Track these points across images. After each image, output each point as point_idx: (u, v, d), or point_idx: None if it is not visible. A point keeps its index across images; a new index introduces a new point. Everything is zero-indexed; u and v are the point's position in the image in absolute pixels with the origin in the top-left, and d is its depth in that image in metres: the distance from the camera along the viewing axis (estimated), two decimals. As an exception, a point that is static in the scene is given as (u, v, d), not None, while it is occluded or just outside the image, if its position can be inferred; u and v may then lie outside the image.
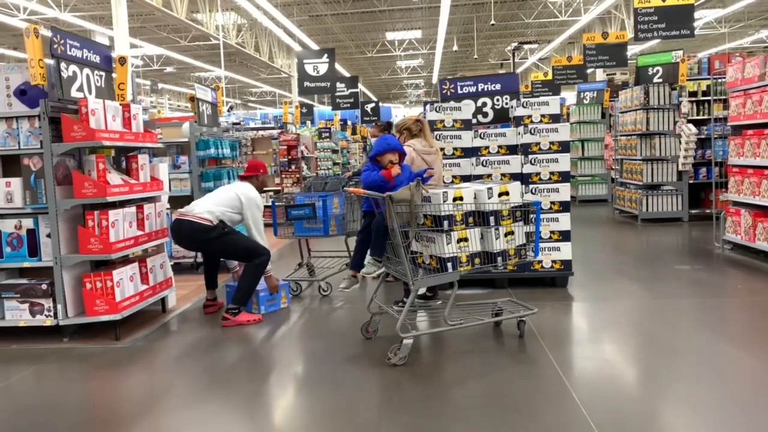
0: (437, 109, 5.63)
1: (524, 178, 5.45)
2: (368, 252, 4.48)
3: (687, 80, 9.64)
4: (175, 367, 3.97)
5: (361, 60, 30.53)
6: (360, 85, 25.21)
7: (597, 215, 11.02)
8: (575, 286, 5.58)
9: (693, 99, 9.69)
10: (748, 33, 26.14)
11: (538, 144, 5.44)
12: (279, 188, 10.79)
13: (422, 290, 5.05)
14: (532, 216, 4.07)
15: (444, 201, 3.78)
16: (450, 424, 2.95)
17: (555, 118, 5.49)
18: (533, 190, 5.44)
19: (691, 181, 9.58)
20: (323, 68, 15.87)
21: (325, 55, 16.05)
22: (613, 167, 11.65)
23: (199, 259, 6.92)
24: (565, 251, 5.49)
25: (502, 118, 6.10)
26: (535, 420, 2.98)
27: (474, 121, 5.93)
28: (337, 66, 20.78)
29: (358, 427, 3.00)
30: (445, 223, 3.76)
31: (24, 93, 4.40)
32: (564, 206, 5.46)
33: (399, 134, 5.14)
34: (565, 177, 5.45)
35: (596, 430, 2.84)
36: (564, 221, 5.48)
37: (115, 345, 4.41)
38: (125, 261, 4.82)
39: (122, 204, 4.73)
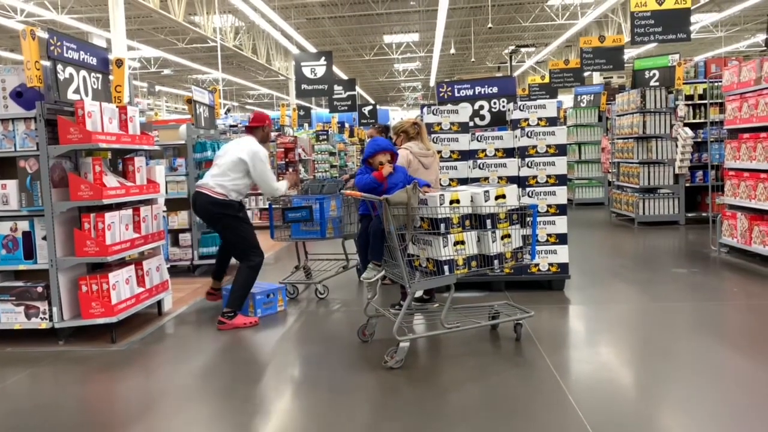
0: (434, 112, 5.63)
1: (521, 181, 5.45)
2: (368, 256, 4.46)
3: (683, 84, 9.68)
4: (171, 371, 3.96)
5: (359, 63, 30.56)
6: (357, 88, 25.21)
7: (594, 218, 11.04)
8: (572, 289, 5.58)
9: (689, 102, 9.72)
10: (744, 37, 26.26)
11: (535, 147, 5.45)
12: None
13: (419, 293, 5.04)
14: (528, 219, 4.07)
15: (441, 204, 3.78)
16: (447, 428, 2.95)
17: (552, 122, 5.50)
18: (530, 193, 5.44)
19: (687, 185, 9.60)
20: (321, 71, 15.88)
21: (323, 58, 16.06)
22: (609, 170, 11.67)
23: (196, 262, 6.92)
24: (562, 254, 5.50)
25: (499, 121, 6.11)
26: (531, 423, 2.98)
27: (471, 124, 5.93)
28: (335, 69, 20.81)
29: (354, 430, 2.99)
30: (442, 226, 3.76)
31: (20, 95, 4.38)
32: (561, 209, 5.47)
33: (396, 137, 5.13)
34: (561, 180, 5.46)
35: (593, 433, 2.84)
36: (561, 224, 5.48)
37: (110, 348, 4.40)
38: (121, 264, 4.81)
39: (119, 206, 4.71)
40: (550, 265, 5.52)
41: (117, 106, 4.82)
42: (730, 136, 7.06)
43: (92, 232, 4.38)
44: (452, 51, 24.22)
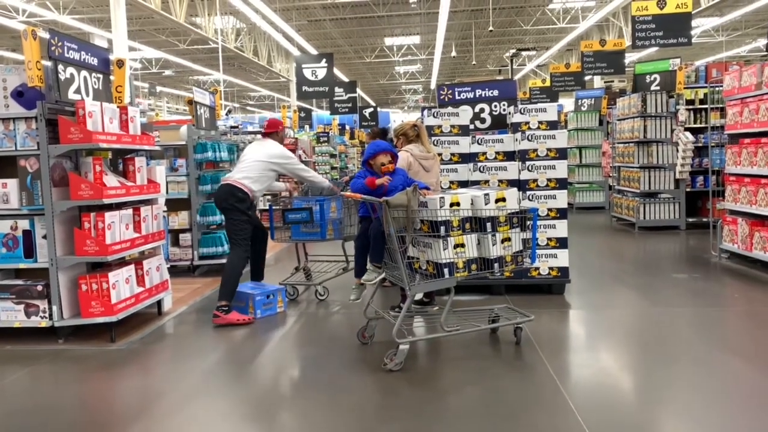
0: (435, 115, 5.63)
1: (521, 185, 5.45)
2: (368, 258, 4.46)
3: (684, 88, 9.68)
4: (170, 370, 3.96)
5: (360, 65, 30.59)
6: (358, 90, 25.23)
7: (594, 222, 11.04)
8: (572, 294, 5.58)
9: (690, 107, 9.72)
10: (746, 42, 26.29)
11: (535, 150, 5.45)
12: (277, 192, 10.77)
13: (419, 296, 5.04)
14: (529, 222, 4.07)
15: (441, 206, 3.78)
16: (446, 430, 2.94)
17: (552, 125, 5.50)
18: (530, 197, 5.44)
19: (688, 190, 9.60)
20: (322, 73, 15.90)
21: (324, 60, 16.08)
22: (610, 174, 11.67)
23: (196, 262, 6.92)
24: (562, 258, 5.49)
25: (499, 124, 6.10)
26: (531, 427, 2.97)
27: (471, 127, 5.93)
28: (336, 71, 20.84)
29: (353, 433, 2.98)
30: (442, 228, 3.76)
31: (21, 94, 4.39)
32: (561, 213, 5.47)
33: (396, 139, 5.14)
34: (562, 184, 5.46)
35: (592, 437, 2.83)
36: (561, 228, 5.48)
37: (110, 347, 4.39)
38: (121, 263, 4.81)
39: (119, 206, 4.72)
40: (551, 269, 5.51)
41: (118, 107, 4.82)
42: (731, 141, 7.06)
43: (92, 231, 4.38)
44: (453, 54, 24.22)
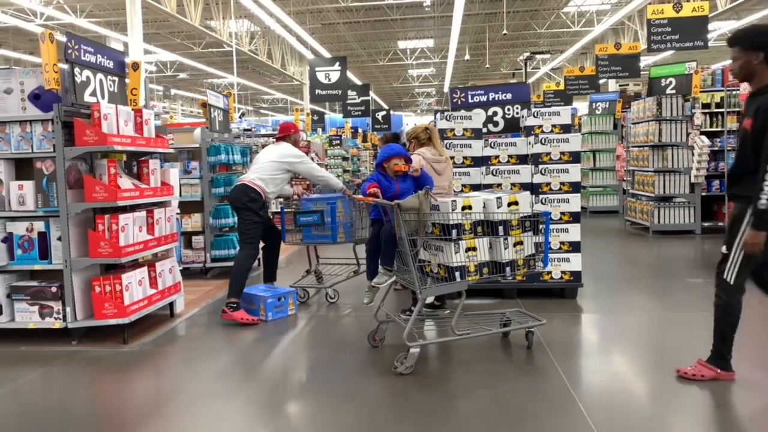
0: (447, 118, 5.62)
1: (534, 188, 5.42)
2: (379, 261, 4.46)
3: (700, 92, 9.58)
4: (182, 372, 3.98)
5: (373, 68, 30.64)
6: (371, 93, 25.27)
7: (608, 226, 10.95)
8: (585, 298, 5.53)
9: (706, 111, 9.62)
10: (763, 45, 25.93)
11: (548, 154, 5.42)
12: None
13: (430, 299, 5.02)
14: (541, 226, 4.05)
15: (453, 210, 3.76)
16: (456, 435, 2.93)
17: (566, 129, 5.47)
18: (543, 200, 5.41)
19: (703, 194, 9.49)
20: (335, 76, 15.94)
21: (337, 63, 16.12)
22: (624, 178, 11.57)
23: (209, 264, 6.95)
24: (575, 262, 5.45)
25: (512, 127, 6.08)
26: (541, 431, 2.95)
27: (484, 130, 5.91)
28: (349, 74, 20.87)
29: (363, 436, 2.98)
30: (454, 232, 3.75)
31: (38, 97, 4.44)
32: (574, 217, 5.43)
33: (408, 143, 5.14)
34: (575, 187, 5.42)
35: (604, 444, 2.80)
36: (574, 232, 5.44)
37: (122, 349, 4.43)
38: (134, 265, 4.84)
39: (132, 208, 4.76)
40: (563, 273, 5.47)
41: (132, 109, 4.86)
42: (748, 145, 6.96)
43: (106, 233, 4.42)
44: (467, 57, 24.20)
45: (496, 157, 5.58)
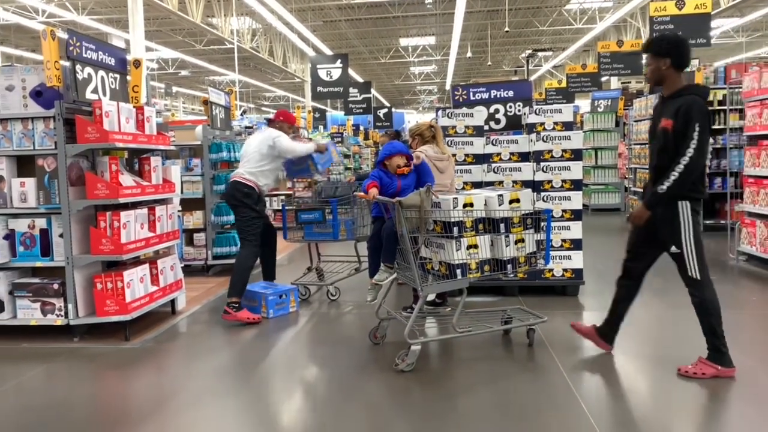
0: (449, 115, 5.61)
1: (536, 186, 5.41)
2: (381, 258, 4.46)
3: (702, 89, 9.53)
4: (183, 369, 3.98)
5: (375, 65, 30.62)
6: (373, 91, 25.25)
7: (609, 224, 10.94)
8: (586, 296, 5.53)
9: (709, 108, 9.59)
10: (766, 42, 25.91)
11: (550, 151, 5.41)
12: (290, 192, 10.81)
13: (431, 296, 5.03)
14: (542, 224, 4.04)
15: (454, 207, 3.76)
16: (457, 431, 2.93)
17: (568, 126, 5.46)
18: (545, 198, 5.40)
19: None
20: (336, 73, 15.93)
21: (339, 61, 16.10)
22: (626, 176, 11.56)
23: (210, 262, 6.96)
24: (577, 260, 5.45)
25: (514, 125, 6.07)
26: (542, 429, 2.95)
27: (486, 127, 5.90)
28: (351, 71, 20.87)
29: (364, 433, 2.98)
30: (455, 229, 3.74)
31: (39, 94, 4.44)
32: (576, 214, 5.42)
33: (412, 140, 5.13)
34: (577, 185, 5.41)
35: (605, 441, 2.80)
36: (576, 230, 5.43)
37: (124, 345, 4.43)
38: (136, 262, 4.85)
39: (134, 205, 4.76)
40: (565, 270, 5.47)
41: (134, 106, 4.86)
42: (750, 143, 6.96)
43: (108, 230, 4.42)
44: (469, 54, 24.18)
45: (498, 154, 5.58)
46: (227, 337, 4.64)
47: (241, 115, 20.48)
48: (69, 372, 3.97)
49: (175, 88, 30.73)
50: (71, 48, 4.35)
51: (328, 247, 6.37)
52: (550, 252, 4.69)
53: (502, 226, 3.87)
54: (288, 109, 40.89)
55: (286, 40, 22.97)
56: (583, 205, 5.65)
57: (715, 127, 9.60)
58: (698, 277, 3.54)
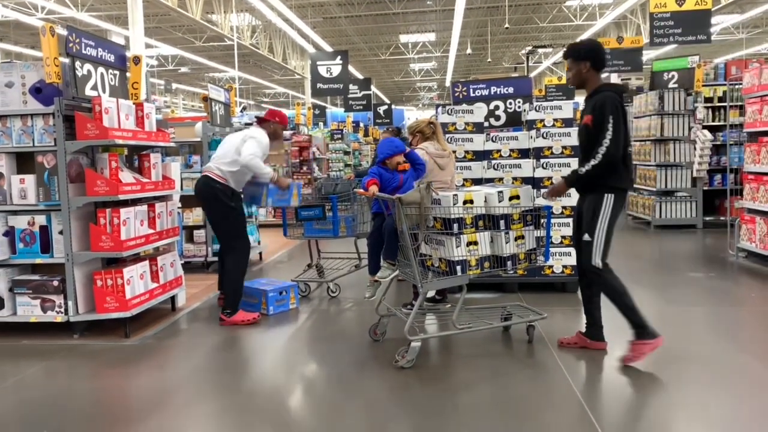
0: (449, 112, 5.61)
1: (536, 182, 5.41)
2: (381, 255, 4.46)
3: (703, 86, 9.54)
4: (183, 366, 3.99)
5: (375, 62, 30.56)
6: (373, 87, 25.22)
7: (609, 221, 10.91)
8: (586, 292, 5.52)
9: (709, 105, 9.59)
10: (766, 39, 25.86)
11: (550, 148, 5.41)
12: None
13: (431, 293, 5.03)
14: (542, 220, 4.04)
15: (454, 204, 3.76)
16: (456, 428, 2.93)
17: (568, 123, 5.46)
18: (545, 195, 5.39)
19: (705, 188, 9.48)
20: (336, 70, 15.91)
21: (339, 57, 16.09)
22: (626, 173, 11.53)
23: (210, 258, 6.96)
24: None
25: (514, 121, 6.07)
26: (542, 425, 2.96)
27: (486, 124, 5.90)
28: (350, 68, 20.80)
29: (364, 430, 2.99)
30: (455, 226, 3.74)
31: (39, 91, 4.44)
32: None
33: (412, 137, 5.12)
34: (577, 182, 5.40)
35: (605, 437, 2.81)
36: (575, 226, 5.43)
37: (124, 342, 4.44)
38: (136, 259, 4.85)
39: (134, 202, 4.76)
40: (564, 267, 5.47)
41: (134, 103, 4.86)
42: (750, 140, 6.95)
43: (108, 227, 4.42)
44: (468, 51, 24.12)
45: (498, 151, 5.57)
46: (227, 333, 4.65)
47: (241, 111, 20.45)
48: (69, 369, 3.97)
49: (174, 85, 30.69)
50: (71, 44, 4.34)
51: (328, 244, 6.38)
52: (550, 249, 4.70)
53: (502, 222, 3.87)
54: (288, 106, 40.89)
55: (285, 37, 22.92)
56: (583, 201, 5.63)
57: (715, 123, 9.60)
58: (600, 265, 3.75)
